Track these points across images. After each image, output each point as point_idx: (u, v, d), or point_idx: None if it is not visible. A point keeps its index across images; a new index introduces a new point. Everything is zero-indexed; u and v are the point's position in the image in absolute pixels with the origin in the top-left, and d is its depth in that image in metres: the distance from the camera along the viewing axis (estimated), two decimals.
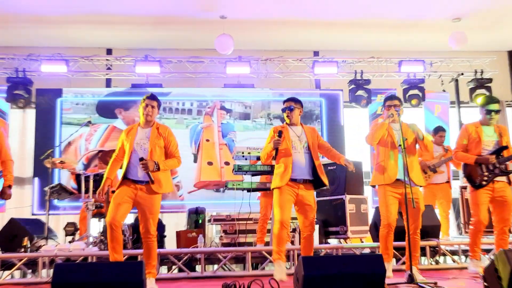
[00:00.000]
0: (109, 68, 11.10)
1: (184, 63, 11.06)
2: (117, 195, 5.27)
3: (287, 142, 5.72)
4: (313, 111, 11.25)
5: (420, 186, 5.74)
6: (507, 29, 11.40)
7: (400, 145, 5.49)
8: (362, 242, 7.91)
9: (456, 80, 11.75)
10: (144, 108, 5.48)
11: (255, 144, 7.47)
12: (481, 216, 5.96)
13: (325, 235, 7.94)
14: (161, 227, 7.87)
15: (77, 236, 7.80)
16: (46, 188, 7.79)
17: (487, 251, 6.99)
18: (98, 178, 7.39)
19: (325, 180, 5.78)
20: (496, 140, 6.09)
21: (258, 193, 7.85)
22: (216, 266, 6.86)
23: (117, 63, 11.05)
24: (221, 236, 7.85)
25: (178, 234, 7.81)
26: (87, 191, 7.40)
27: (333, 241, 8.19)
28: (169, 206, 10.41)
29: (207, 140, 10.87)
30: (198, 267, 6.79)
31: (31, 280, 6.39)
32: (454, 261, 7.22)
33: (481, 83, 11.30)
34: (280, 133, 5.72)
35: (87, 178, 7.45)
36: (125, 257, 6.45)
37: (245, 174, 7.01)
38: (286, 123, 5.90)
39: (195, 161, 10.73)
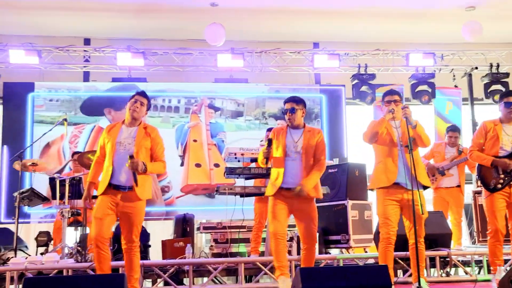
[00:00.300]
0: (87, 60, 11.07)
1: (171, 55, 11.09)
2: (97, 209, 5.27)
3: (281, 148, 5.76)
4: (312, 109, 11.30)
5: (426, 188, 5.76)
6: None
7: (407, 146, 5.51)
8: (366, 252, 7.95)
9: (470, 75, 11.77)
10: (132, 104, 5.47)
11: (248, 145, 7.52)
12: (499, 224, 5.93)
13: (325, 244, 7.97)
14: (145, 236, 7.89)
15: (50, 247, 7.78)
16: (16, 194, 7.72)
17: (503, 262, 7.06)
18: (74, 182, 7.37)
19: (313, 191, 5.75)
20: None
21: (252, 199, 7.88)
22: (205, 279, 6.90)
23: (96, 55, 11.03)
24: (211, 246, 7.88)
25: (164, 243, 7.83)
26: (62, 197, 7.35)
27: (334, 251, 8.24)
28: (155, 213, 10.45)
29: (195, 141, 10.90)
30: (186, 280, 6.82)
31: None
32: (466, 273, 7.24)
33: (497, 78, 11.30)
34: (269, 142, 5.76)
35: (62, 183, 7.40)
36: None
37: (237, 178, 7.05)
38: (287, 125, 5.94)
39: (182, 164, 10.76)
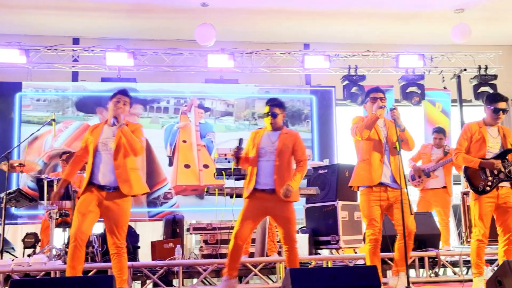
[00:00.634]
0: (75, 60, 10.99)
1: (161, 55, 11.07)
2: (81, 204, 5.24)
3: (255, 149, 5.76)
4: (302, 110, 11.33)
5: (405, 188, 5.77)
6: None
7: (395, 147, 5.52)
8: (356, 252, 7.98)
9: (459, 77, 11.83)
10: (114, 104, 5.43)
11: None
12: (486, 229, 5.89)
13: (315, 245, 8.01)
14: (134, 237, 7.89)
15: (38, 249, 7.75)
16: (2, 195, 7.68)
17: (491, 262, 7.10)
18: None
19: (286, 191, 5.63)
20: (500, 142, 6.14)
21: (242, 200, 7.88)
22: (195, 280, 6.90)
23: (85, 54, 10.97)
24: (201, 247, 7.88)
25: (153, 244, 7.83)
26: (50, 198, 7.33)
27: (324, 252, 8.27)
28: (141, 214, 10.45)
29: (184, 141, 10.89)
30: (175, 282, 6.81)
31: None
32: (455, 273, 7.31)
33: (485, 80, 11.39)
34: (240, 142, 5.78)
35: (50, 183, 7.34)
36: (94, 271, 6.47)
37: (227, 179, 7.05)
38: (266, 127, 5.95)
39: (170, 164, 10.75)
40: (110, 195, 5.27)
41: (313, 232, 8.02)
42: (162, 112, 10.97)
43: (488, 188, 5.93)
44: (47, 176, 7.54)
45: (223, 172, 6.89)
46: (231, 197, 7.11)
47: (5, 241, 7.68)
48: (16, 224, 10.09)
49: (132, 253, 7.47)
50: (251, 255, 7.43)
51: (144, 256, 8.40)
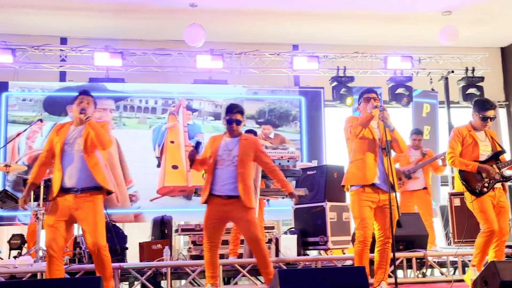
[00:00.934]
0: (63, 60, 10.94)
1: (149, 55, 11.04)
2: (50, 214, 5.16)
3: (213, 156, 5.74)
4: (290, 111, 11.34)
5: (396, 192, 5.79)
6: (501, 24, 11.66)
7: (384, 148, 5.55)
8: (344, 253, 8.01)
9: (446, 78, 11.89)
10: (78, 106, 5.35)
11: None
12: (494, 223, 5.89)
13: (303, 246, 8.02)
14: (122, 238, 7.86)
15: (24, 250, 7.71)
16: None
17: None
18: (50, 184, 7.30)
19: (248, 200, 5.63)
20: (490, 144, 6.21)
21: None
22: (184, 281, 6.89)
23: (73, 54, 10.92)
24: (190, 248, 7.88)
25: (142, 246, 7.81)
26: (36, 199, 7.24)
27: (312, 253, 8.28)
28: (127, 215, 10.44)
29: (172, 142, 10.88)
30: (163, 283, 6.79)
31: None
32: (442, 273, 7.35)
33: (473, 82, 11.45)
34: (197, 145, 5.76)
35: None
36: (81, 272, 6.44)
37: None
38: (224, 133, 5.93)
39: (159, 166, 10.73)
40: (79, 197, 5.17)
41: (302, 233, 8.02)
42: (149, 112, 10.94)
43: (485, 189, 5.99)
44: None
45: None
46: None
47: None
48: (2, 225, 10.05)
49: (120, 254, 7.45)
50: (240, 256, 7.43)
51: (132, 257, 8.37)
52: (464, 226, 7.82)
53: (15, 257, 7.31)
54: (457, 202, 8.36)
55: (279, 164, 7.21)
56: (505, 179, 6.08)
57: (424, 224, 8.31)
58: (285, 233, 8.14)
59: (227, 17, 10.89)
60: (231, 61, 11.15)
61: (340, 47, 11.69)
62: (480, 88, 11.42)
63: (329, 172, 8.17)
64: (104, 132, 5.28)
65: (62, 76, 11.39)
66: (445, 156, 8.44)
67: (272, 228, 8.63)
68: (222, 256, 7.52)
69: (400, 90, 11.29)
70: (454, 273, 7.32)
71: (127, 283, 6.87)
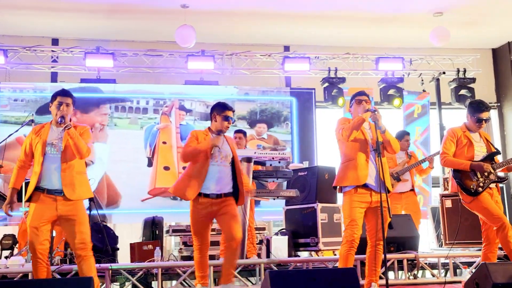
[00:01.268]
0: (54, 61, 10.94)
1: (141, 56, 11.02)
2: (34, 216, 5.08)
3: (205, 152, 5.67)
4: (282, 111, 11.34)
5: (388, 192, 5.79)
6: (492, 25, 11.71)
7: (375, 150, 5.55)
8: (335, 254, 7.99)
9: (437, 80, 11.91)
10: (57, 107, 5.25)
11: None
12: (503, 216, 5.87)
13: (294, 247, 8.01)
14: (113, 238, 7.85)
15: (15, 251, 7.69)
16: None
17: (469, 264, 7.18)
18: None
19: (242, 198, 5.67)
20: (484, 145, 6.23)
21: None
22: (174, 282, 6.87)
23: (64, 55, 10.90)
24: (181, 249, 7.86)
25: (133, 246, 7.80)
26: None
27: (303, 254, 8.28)
28: (120, 216, 10.41)
29: (164, 143, 10.86)
30: (154, 284, 6.78)
31: None
32: (433, 275, 7.35)
33: (464, 83, 11.46)
34: (219, 132, 5.76)
35: (28, 184, 7.30)
36: (72, 272, 6.42)
37: None
38: (214, 131, 5.85)
39: (149, 165, 10.71)
40: (62, 198, 5.12)
41: (293, 234, 8.02)
42: (141, 112, 10.93)
43: (480, 189, 5.98)
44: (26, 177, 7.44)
45: None
46: None
47: None
48: None
49: (111, 255, 7.43)
50: None
51: (123, 257, 8.35)
52: (455, 227, 7.85)
53: (6, 257, 7.29)
54: (448, 203, 8.37)
55: (270, 165, 7.20)
56: (499, 179, 6.10)
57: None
58: (276, 234, 8.13)
59: (218, 18, 10.89)
60: (222, 62, 11.14)
61: (331, 48, 11.71)
62: (471, 90, 11.44)
63: (320, 173, 8.16)
64: (82, 142, 5.18)
65: (54, 77, 11.38)
66: (432, 158, 8.50)
67: (263, 229, 8.62)
68: (213, 257, 7.52)
69: (391, 91, 11.29)
70: (445, 275, 7.31)
71: (118, 283, 6.85)
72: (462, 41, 11.99)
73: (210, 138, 5.65)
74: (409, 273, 7.25)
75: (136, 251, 7.64)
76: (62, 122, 5.15)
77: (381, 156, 5.52)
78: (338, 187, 5.84)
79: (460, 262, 7.27)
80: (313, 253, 7.97)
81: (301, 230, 8.02)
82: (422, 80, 11.72)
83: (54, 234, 7.23)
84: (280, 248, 7.41)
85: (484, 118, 6.15)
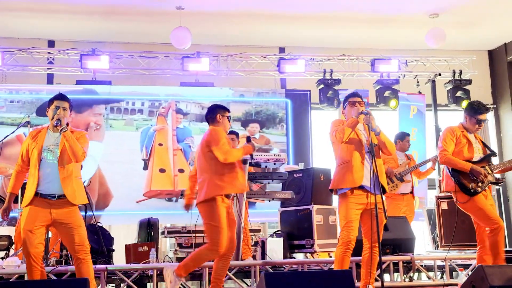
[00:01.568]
0: (51, 62, 10.92)
1: (136, 58, 11.01)
2: (28, 219, 5.10)
3: None
4: (277, 113, 11.34)
5: (385, 193, 5.78)
6: (488, 27, 11.71)
7: (369, 152, 5.55)
8: (331, 256, 7.98)
9: (433, 81, 11.89)
10: (53, 111, 5.28)
11: None
12: (498, 218, 5.86)
13: (289, 248, 8.01)
14: (109, 240, 7.83)
15: (11, 251, 7.68)
16: None
17: (465, 266, 7.17)
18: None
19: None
20: (480, 146, 6.23)
21: None
22: None
23: (60, 57, 10.89)
24: (176, 250, 7.85)
25: (128, 248, 7.78)
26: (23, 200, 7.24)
27: (298, 256, 8.27)
28: (115, 217, 10.39)
29: (160, 145, 10.85)
30: (150, 285, 6.78)
31: None
32: (429, 277, 7.34)
33: (460, 85, 11.45)
34: (248, 139, 5.95)
35: (24, 186, 7.30)
36: (68, 274, 6.41)
37: None
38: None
39: (145, 168, 10.70)
40: (57, 203, 5.15)
41: (288, 236, 8.01)
42: (136, 114, 10.91)
43: (479, 189, 5.98)
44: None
45: None
46: None
47: None
48: None
49: (107, 256, 7.41)
50: None
51: (119, 259, 8.33)
52: (451, 230, 7.85)
53: (2, 258, 7.29)
54: (444, 205, 8.36)
55: (266, 166, 7.19)
56: (497, 181, 6.11)
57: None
58: (272, 235, 8.13)
59: (214, 20, 10.90)
60: (217, 63, 11.15)
61: (326, 49, 11.71)
62: (467, 91, 11.43)
63: (315, 175, 8.16)
64: (78, 145, 5.21)
65: (50, 79, 11.38)
66: (436, 159, 8.48)
67: (258, 230, 8.61)
68: None
69: (387, 93, 11.29)
70: (441, 277, 7.31)
71: (113, 285, 6.85)
72: (458, 42, 11.99)
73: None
74: (405, 276, 7.24)
75: (132, 253, 7.63)
76: (59, 125, 5.18)
77: (375, 157, 5.52)
78: (334, 189, 5.85)
79: (456, 265, 7.26)
80: (308, 255, 7.96)
81: (297, 232, 8.01)
82: (418, 82, 11.71)
83: (50, 235, 7.24)
84: (275, 250, 7.40)
85: (484, 119, 6.17)
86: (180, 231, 7.94)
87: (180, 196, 7.18)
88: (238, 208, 6.47)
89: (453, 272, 7.34)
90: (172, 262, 7.64)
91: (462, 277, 6.49)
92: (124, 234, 10.18)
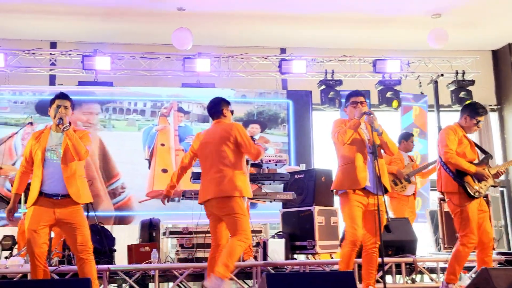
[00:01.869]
0: (53, 64, 10.93)
1: (138, 59, 11.03)
2: (33, 219, 5.14)
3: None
4: (279, 114, 11.35)
5: (386, 192, 5.77)
6: (491, 27, 11.69)
7: (372, 153, 5.55)
8: (332, 258, 8.00)
9: (436, 82, 11.86)
10: (55, 110, 5.34)
11: None
12: (476, 235, 5.84)
13: (291, 250, 8.00)
14: (111, 240, 7.85)
15: (15, 251, 7.71)
16: None
17: (468, 269, 7.12)
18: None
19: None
20: (475, 148, 6.23)
21: None
22: (171, 284, 6.88)
23: (62, 58, 10.91)
24: (177, 251, 7.86)
25: (130, 248, 7.80)
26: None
27: (300, 257, 8.28)
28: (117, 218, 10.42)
29: (162, 145, 10.87)
30: (151, 285, 6.81)
31: None
32: (432, 279, 7.33)
33: (463, 85, 11.39)
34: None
35: (27, 186, 7.33)
36: (70, 273, 6.43)
37: None
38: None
39: (149, 167, 10.73)
40: (61, 203, 5.19)
41: (290, 237, 8.01)
42: (138, 114, 10.94)
43: (482, 193, 5.93)
44: None
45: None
46: None
47: None
48: None
49: (109, 256, 7.43)
50: None
51: (121, 259, 8.35)
52: (454, 231, 7.82)
53: (6, 258, 7.31)
54: (446, 207, 8.35)
55: (267, 167, 7.21)
56: (496, 184, 6.09)
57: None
58: (273, 236, 8.14)
59: (215, 21, 10.92)
60: (219, 64, 11.17)
61: (328, 50, 11.71)
62: (470, 92, 11.38)
63: (317, 176, 8.16)
64: (81, 143, 5.25)
65: (52, 80, 11.44)
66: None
67: (260, 231, 8.61)
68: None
69: (389, 94, 11.26)
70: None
71: (116, 285, 6.88)
72: (461, 42, 11.97)
73: None
74: (407, 277, 7.25)
75: (134, 253, 7.65)
76: (61, 123, 5.22)
77: (378, 158, 5.53)
78: (335, 190, 5.85)
79: None
80: (310, 256, 7.97)
81: (298, 233, 8.01)
82: (420, 83, 11.70)
83: (52, 235, 7.27)
84: (276, 250, 7.42)
85: (482, 120, 6.14)
86: (181, 231, 7.95)
87: (182, 197, 7.18)
88: None
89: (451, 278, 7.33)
90: (174, 262, 7.65)
91: (465, 279, 6.49)
92: (126, 235, 10.20)
